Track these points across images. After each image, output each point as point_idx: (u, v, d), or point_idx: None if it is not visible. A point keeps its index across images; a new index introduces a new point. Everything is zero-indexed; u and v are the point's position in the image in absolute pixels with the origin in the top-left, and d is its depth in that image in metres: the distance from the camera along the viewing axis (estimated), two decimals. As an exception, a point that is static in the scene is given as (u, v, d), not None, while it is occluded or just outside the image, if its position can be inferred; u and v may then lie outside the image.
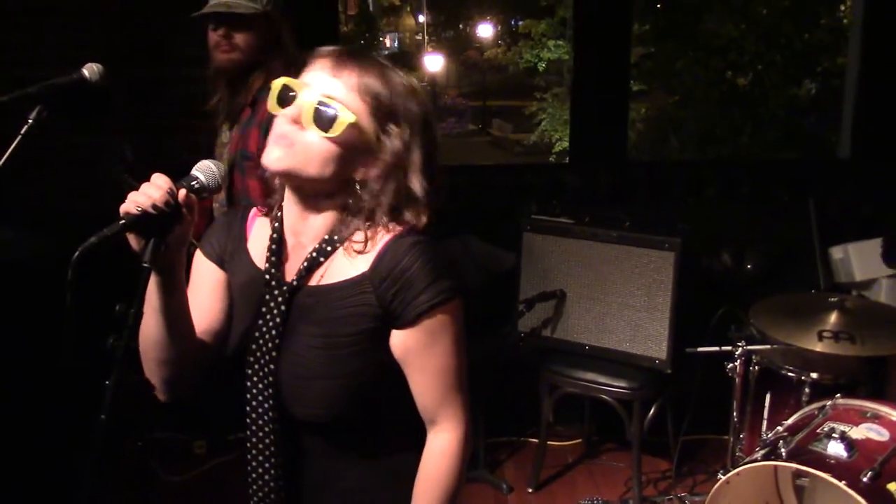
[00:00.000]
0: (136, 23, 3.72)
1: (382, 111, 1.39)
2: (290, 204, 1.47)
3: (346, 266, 1.43)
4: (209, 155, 2.86)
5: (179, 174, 1.36)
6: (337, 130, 1.36)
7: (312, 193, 1.43)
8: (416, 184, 1.42)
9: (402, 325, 1.42)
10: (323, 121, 1.36)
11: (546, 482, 3.62)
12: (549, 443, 3.66)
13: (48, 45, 3.62)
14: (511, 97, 18.80)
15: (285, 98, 1.40)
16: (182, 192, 1.32)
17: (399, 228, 1.43)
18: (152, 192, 1.28)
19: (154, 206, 1.27)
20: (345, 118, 1.36)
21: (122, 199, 1.28)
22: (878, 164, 4.18)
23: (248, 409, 1.50)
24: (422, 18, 22.76)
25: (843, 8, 9.29)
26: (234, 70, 2.64)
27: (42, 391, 3.30)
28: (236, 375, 1.51)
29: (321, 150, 1.37)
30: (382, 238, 1.42)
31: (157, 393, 1.47)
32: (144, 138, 3.76)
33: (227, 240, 1.57)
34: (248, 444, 1.52)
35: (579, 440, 3.91)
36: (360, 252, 1.42)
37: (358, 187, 1.41)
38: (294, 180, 1.42)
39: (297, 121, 1.37)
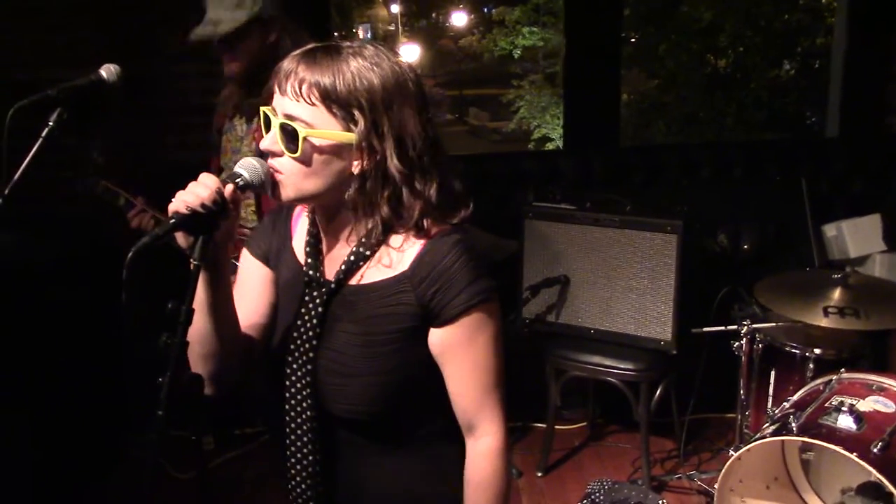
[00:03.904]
0: (121, 20, 3.68)
1: (340, 104, 1.33)
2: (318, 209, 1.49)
3: (386, 266, 1.44)
4: (205, 150, 2.87)
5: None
6: (300, 149, 1.34)
7: (330, 203, 1.44)
8: (395, 160, 1.36)
9: (441, 324, 1.42)
10: (289, 143, 1.35)
11: (554, 466, 3.65)
12: (555, 427, 3.68)
13: (33, 45, 3.58)
14: (487, 85, 18.67)
15: (268, 127, 1.39)
16: (229, 189, 1.33)
17: (440, 226, 1.43)
18: (200, 191, 1.30)
19: (202, 205, 1.29)
20: (301, 134, 1.33)
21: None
22: (866, 141, 4.23)
23: (286, 406, 1.51)
24: (395, 9, 22.58)
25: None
26: (244, 75, 2.64)
27: (44, 393, 3.30)
28: (275, 372, 1.52)
29: (302, 171, 1.36)
30: (422, 236, 1.42)
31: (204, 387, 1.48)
32: (135, 136, 3.74)
33: (271, 239, 1.59)
34: (287, 441, 1.53)
35: (584, 423, 3.95)
36: (395, 257, 1.42)
37: (355, 183, 1.39)
38: (304, 202, 1.45)
39: (274, 152, 1.38)
